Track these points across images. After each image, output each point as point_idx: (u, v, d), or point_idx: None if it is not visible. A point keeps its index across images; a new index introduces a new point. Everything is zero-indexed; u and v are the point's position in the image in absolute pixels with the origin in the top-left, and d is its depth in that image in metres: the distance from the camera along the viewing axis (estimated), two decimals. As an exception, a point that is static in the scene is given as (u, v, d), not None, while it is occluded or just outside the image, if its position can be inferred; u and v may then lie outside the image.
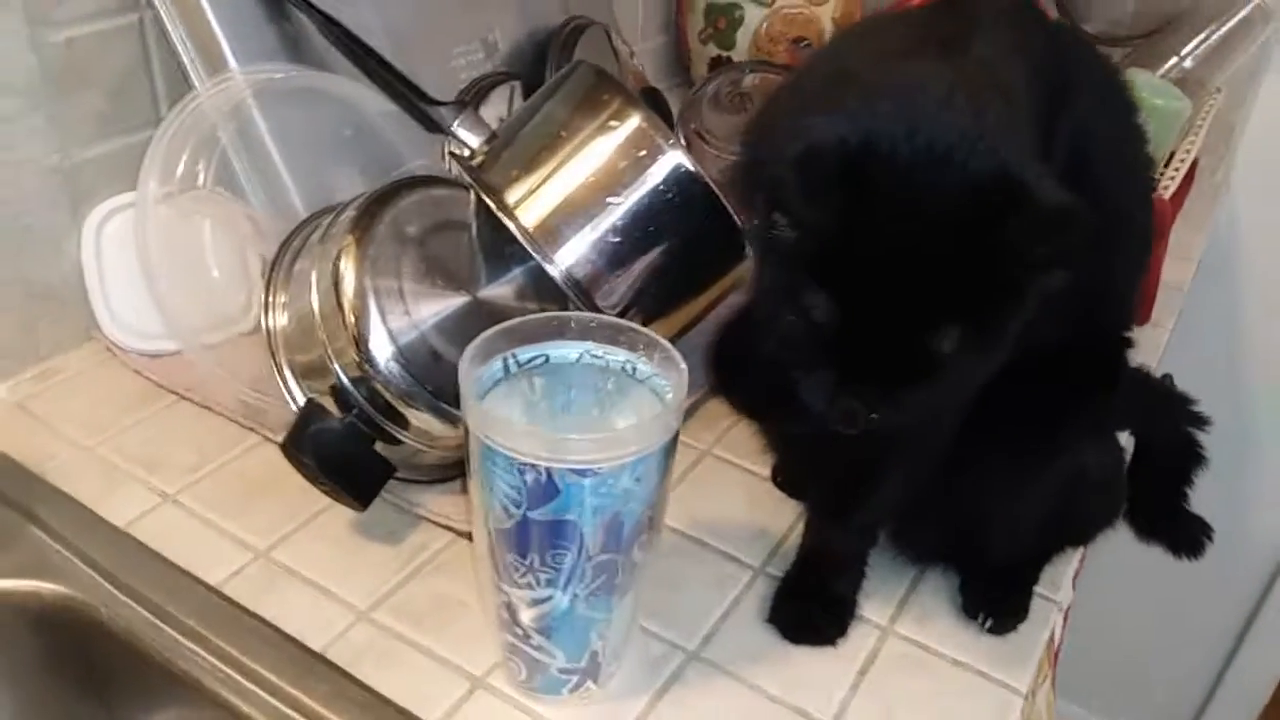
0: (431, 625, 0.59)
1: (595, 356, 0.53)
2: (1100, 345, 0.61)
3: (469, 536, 0.65)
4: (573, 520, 0.48)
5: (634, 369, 0.53)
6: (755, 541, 0.67)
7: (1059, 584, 0.66)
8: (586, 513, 0.48)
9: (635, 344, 0.52)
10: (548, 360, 0.53)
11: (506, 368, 0.52)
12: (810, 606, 0.61)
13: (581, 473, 0.46)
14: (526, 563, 0.50)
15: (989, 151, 0.45)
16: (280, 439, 0.62)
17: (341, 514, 0.66)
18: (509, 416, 0.51)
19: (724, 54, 1.23)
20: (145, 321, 0.74)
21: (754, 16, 1.19)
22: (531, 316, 0.52)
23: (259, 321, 0.67)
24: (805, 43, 1.14)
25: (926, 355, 0.46)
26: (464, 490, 0.68)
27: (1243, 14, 1.04)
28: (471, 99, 0.83)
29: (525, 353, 0.52)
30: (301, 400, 0.64)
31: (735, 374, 0.63)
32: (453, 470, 0.69)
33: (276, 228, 0.70)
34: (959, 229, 0.45)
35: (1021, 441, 0.58)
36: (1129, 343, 0.63)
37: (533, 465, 0.46)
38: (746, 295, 0.63)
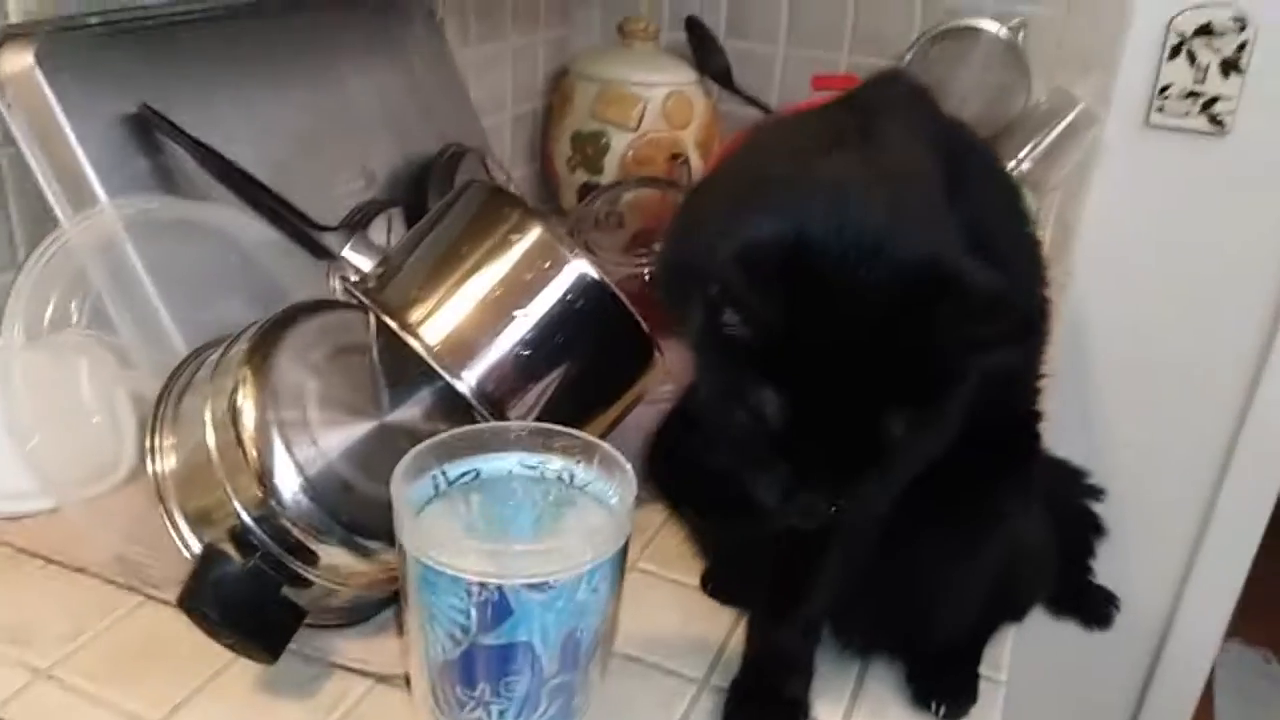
0: (360, 784, 0.54)
1: (529, 467, 0.51)
2: (1015, 420, 0.63)
3: (392, 680, 0.59)
4: (526, 641, 0.44)
5: (571, 477, 0.50)
6: (695, 654, 0.64)
7: (999, 664, 0.66)
8: (541, 632, 0.44)
9: (571, 449, 0.50)
10: (479, 475, 0.50)
11: (436, 486, 0.49)
12: (764, 714, 0.59)
13: (535, 588, 0.43)
14: (475, 694, 0.46)
15: (916, 241, 0.47)
16: (166, 595, 0.56)
17: (244, 671, 0.60)
18: (452, 533, 0.48)
19: (592, 180, 1.25)
20: (6, 481, 0.67)
21: (620, 143, 1.22)
22: (460, 430, 0.50)
23: (136, 468, 0.61)
24: (683, 159, 1.17)
25: (879, 441, 0.46)
26: (397, 627, 0.63)
27: (1070, 118, 1.13)
28: (355, 225, 0.81)
29: (455, 468, 0.50)
30: (195, 549, 0.59)
31: (677, 478, 0.61)
32: (364, 611, 0.64)
33: (156, 367, 0.65)
34: (896, 317, 0.45)
35: (954, 515, 0.58)
36: (1039, 416, 0.64)
37: (481, 584, 0.43)
38: (677, 399, 0.62)
